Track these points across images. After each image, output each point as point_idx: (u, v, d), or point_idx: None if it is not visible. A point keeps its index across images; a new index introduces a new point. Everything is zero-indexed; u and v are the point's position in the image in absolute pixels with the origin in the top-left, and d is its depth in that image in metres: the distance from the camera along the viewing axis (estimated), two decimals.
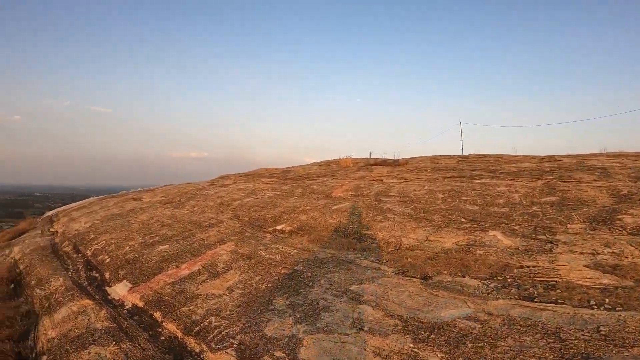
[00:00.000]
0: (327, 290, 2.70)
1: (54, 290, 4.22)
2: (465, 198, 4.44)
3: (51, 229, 7.76)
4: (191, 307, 2.90)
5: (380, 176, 6.12)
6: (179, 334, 2.63)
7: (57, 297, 3.98)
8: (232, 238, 4.28)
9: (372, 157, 9.69)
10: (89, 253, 5.15)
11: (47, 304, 3.90)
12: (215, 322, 2.59)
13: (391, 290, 2.61)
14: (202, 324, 2.61)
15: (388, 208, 4.42)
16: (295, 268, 3.20)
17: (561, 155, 7.29)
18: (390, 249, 3.47)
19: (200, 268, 3.63)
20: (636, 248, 2.70)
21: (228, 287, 3.10)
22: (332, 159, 9.74)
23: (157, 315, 2.98)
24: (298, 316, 2.43)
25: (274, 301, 2.68)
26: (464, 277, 2.78)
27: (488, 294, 2.49)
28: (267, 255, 3.59)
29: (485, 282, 2.67)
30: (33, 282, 4.74)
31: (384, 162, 8.31)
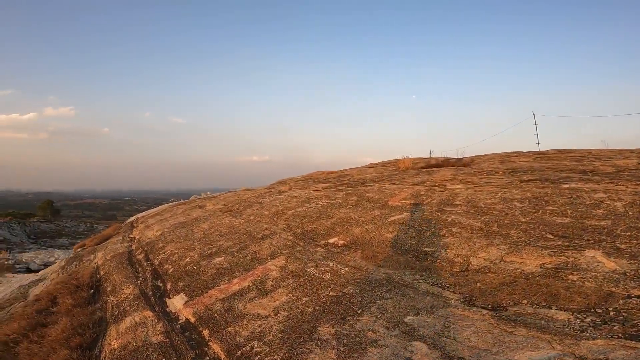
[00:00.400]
0: (377, 320, 2.44)
1: (124, 298, 4.61)
2: (550, 208, 3.79)
3: (130, 235, 8.66)
4: (236, 328, 2.87)
5: (443, 180, 5.57)
6: (222, 356, 2.60)
7: (125, 306, 4.33)
8: (283, 252, 4.23)
9: (433, 156, 9.03)
10: (156, 262, 5.57)
11: (116, 312, 4.27)
12: (257, 347, 2.51)
13: (453, 324, 2.26)
14: (244, 348, 2.55)
15: (453, 220, 3.96)
16: (344, 290, 2.99)
17: None
18: (455, 270, 3.07)
19: (250, 284, 3.63)
20: None
21: (274, 308, 3.01)
22: (389, 159, 9.31)
23: (205, 333, 3.02)
24: (342, 350, 2.21)
25: (318, 329, 2.51)
26: (550, 308, 2.31)
27: (582, 331, 2.01)
28: (317, 274, 3.44)
29: (579, 315, 2.18)
30: (109, 288, 5.27)
31: (446, 162, 7.65)
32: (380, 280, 3.06)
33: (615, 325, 2.01)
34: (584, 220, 3.37)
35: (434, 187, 5.26)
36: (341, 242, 4.15)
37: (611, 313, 2.14)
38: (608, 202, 3.59)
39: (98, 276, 6.12)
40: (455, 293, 2.70)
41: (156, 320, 3.60)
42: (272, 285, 3.46)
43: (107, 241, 8.87)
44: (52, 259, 18.66)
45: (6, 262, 15.25)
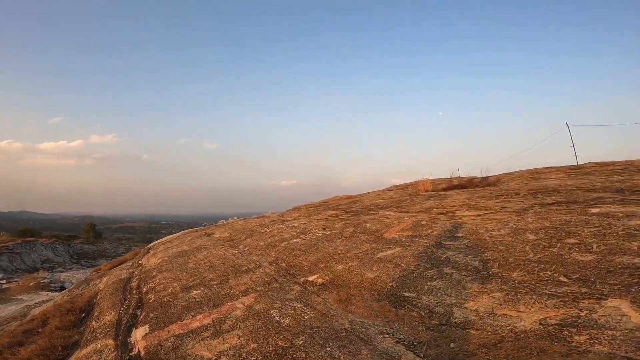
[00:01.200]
0: None
1: (102, 324, 4.61)
2: (571, 241, 3.20)
3: (140, 262, 8.87)
4: None
5: (453, 206, 5.03)
6: None
7: (98, 332, 4.32)
8: (257, 289, 3.98)
9: (457, 175, 8.39)
10: (144, 290, 5.56)
11: (89, 338, 4.29)
12: None
13: None
14: None
15: (447, 258, 3.48)
16: (294, 341, 2.65)
17: None
18: (433, 323, 2.61)
19: (210, 322, 3.41)
20: None
21: (219, 352, 2.76)
22: (411, 181, 8.82)
23: None
24: None
25: None
26: None
27: None
28: (277, 317, 3.13)
29: None
30: (96, 313, 5.33)
31: (469, 182, 7.02)
32: (339, 332, 2.68)
33: None
34: (612, 257, 2.77)
35: (440, 215, 4.75)
36: (320, 280, 3.81)
37: None
38: None
39: (94, 300, 6.26)
40: (419, 355, 2.26)
41: (113, 349, 3.55)
42: (229, 326, 3.21)
43: (119, 266, 9.17)
44: None
45: (42, 281, 16.38)
